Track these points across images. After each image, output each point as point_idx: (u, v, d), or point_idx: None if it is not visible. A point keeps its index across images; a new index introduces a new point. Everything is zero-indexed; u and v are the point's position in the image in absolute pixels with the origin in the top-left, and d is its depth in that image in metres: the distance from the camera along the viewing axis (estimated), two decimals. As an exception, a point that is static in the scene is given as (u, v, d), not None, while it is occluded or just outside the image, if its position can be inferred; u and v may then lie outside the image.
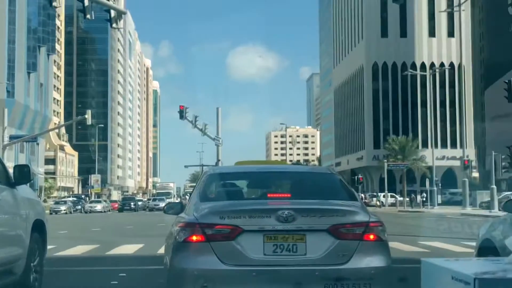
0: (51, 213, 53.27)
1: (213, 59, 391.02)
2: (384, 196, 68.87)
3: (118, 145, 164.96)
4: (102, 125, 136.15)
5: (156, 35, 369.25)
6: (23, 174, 7.07)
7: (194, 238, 5.34)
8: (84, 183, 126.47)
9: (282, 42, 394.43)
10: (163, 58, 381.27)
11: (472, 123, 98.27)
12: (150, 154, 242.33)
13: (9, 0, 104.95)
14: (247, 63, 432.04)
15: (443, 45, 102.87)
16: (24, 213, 7.10)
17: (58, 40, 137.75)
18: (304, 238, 5.34)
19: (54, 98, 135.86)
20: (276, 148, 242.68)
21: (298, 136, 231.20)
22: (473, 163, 70.17)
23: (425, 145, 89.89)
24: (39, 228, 7.52)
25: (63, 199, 77.52)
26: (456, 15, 69.44)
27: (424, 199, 62.52)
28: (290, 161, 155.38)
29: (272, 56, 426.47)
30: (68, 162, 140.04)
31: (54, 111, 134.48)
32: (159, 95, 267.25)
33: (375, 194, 74.82)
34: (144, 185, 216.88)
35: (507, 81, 39.56)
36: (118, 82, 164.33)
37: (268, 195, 6.58)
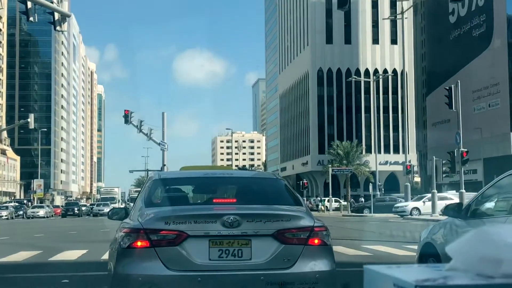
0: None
1: (160, 64, 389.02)
2: (328, 201, 69.36)
3: (62, 149, 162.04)
4: (45, 129, 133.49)
5: (101, 39, 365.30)
6: None
7: (139, 243, 5.28)
8: (27, 188, 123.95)
9: (229, 48, 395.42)
10: (108, 61, 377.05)
11: (414, 128, 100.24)
12: (95, 159, 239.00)
13: None
14: (193, 68, 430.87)
15: (386, 52, 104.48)
16: None
17: (0, 42, 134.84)
18: (249, 243, 5.32)
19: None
20: (222, 153, 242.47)
21: (244, 141, 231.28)
22: (415, 168, 71.52)
23: (368, 150, 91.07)
24: None
25: (4, 204, 75.56)
26: (399, 22, 70.61)
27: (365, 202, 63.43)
28: (236, 166, 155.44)
29: (219, 61, 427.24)
30: (10, 167, 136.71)
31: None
32: (103, 99, 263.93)
33: (320, 199, 75.30)
34: (88, 190, 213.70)
35: (447, 88, 40.51)
36: (62, 85, 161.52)
37: (214, 200, 6.54)
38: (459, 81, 42.12)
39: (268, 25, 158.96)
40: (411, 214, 43.17)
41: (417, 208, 44.20)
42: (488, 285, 0.78)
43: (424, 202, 44.76)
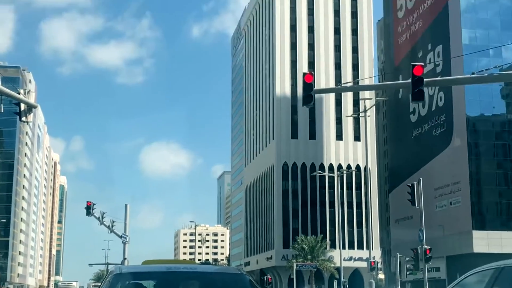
0: None
1: (126, 156, 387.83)
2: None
3: (20, 241, 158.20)
4: (4, 220, 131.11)
5: (68, 130, 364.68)
6: None
7: None
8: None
9: (196, 141, 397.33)
10: (74, 152, 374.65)
11: (378, 225, 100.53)
12: (54, 251, 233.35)
13: None
14: (160, 160, 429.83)
15: (350, 148, 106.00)
16: None
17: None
18: None
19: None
20: (185, 247, 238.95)
21: (207, 234, 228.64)
22: (379, 265, 71.30)
23: (333, 245, 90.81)
24: None
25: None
26: (361, 120, 72.18)
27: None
28: (199, 260, 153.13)
29: (186, 153, 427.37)
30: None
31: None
32: (65, 191, 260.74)
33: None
34: (45, 283, 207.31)
35: (410, 185, 41.00)
36: (24, 176, 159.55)
37: None
38: (421, 178, 42.77)
39: (234, 119, 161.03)
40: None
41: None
42: None
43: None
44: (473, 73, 19.34)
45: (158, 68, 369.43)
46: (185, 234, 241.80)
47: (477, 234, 73.35)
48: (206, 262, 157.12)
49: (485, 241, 71.91)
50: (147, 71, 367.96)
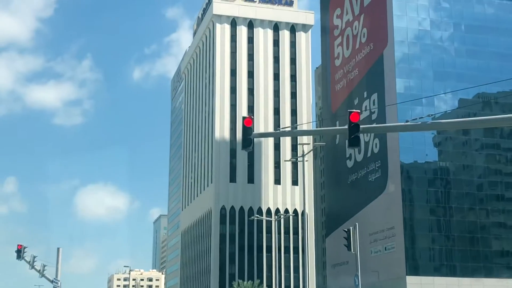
0: None
1: (60, 198, 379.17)
2: None
3: None
4: None
5: (1, 171, 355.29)
6: None
7: None
8: None
9: (133, 183, 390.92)
10: (6, 194, 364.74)
11: (314, 269, 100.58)
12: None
13: None
14: (95, 202, 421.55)
15: (288, 193, 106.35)
16: None
17: None
18: None
19: None
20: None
21: (142, 279, 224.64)
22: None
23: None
24: None
25: None
26: (299, 165, 72.74)
27: None
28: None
29: (122, 196, 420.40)
30: None
31: None
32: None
33: None
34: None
35: (346, 230, 41.22)
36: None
37: None
38: (357, 223, 43.07)
39: (172, 162, 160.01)
40: None
41: None
42: None
43: None
44: (407, 121, 19.73)
45: (97, 110, 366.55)
46: (119, 279, 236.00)
47: (410, 280, 73.92)
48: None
49: (418, 287, 72.53)
50: (86, 112, 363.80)
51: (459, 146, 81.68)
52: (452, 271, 76.21)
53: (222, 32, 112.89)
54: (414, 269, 75.56)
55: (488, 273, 75.30)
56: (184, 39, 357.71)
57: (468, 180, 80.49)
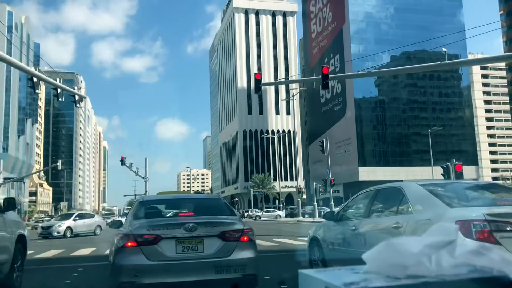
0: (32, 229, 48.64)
1: (147, 127, 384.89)
2: (256, 211, 68.40)
3: (79, 182, 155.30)
4: (68, 170, 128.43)
5: (109, 112, 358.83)
6: (11, 204, 6.43)
7: (129, 244, 5.03)
8: (56, 208, 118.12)
9: (190, 116, 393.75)
10: (113, 126, 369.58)
11: (302, 165, 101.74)
12: (101, 188, 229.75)
13: (6, 88, 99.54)
14: (167, 130, 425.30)
15: (284, 120, 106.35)
16: (10, 230, 6.41)
17: (40, 114, 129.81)
18: (203, 241, 5.15)
19: (36, 152, 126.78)
20: (183, 183, 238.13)
21: (198, 175, 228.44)
22: (303, 190, 72.33)
23: (275, 179, 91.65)
24: (21, 240, 6.83)
25: (41, 219, 70.88)
26: (291, 102, 72.29)
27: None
28: (193, 191, 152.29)
29: (184, 124, 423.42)
30: (45, 194, 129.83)
31: (36, 160, 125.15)
32: (107, 150, 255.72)
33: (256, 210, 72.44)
34: (97, 208, 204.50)
35: (321, 141, 41.46)
36: (80, 142, 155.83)
37: (179, 214, 6.30)
38: (328, 136, 43.20)
39: (212, 102, 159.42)
40: (303, 216, 43.23)
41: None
42: (398, 286, 0.65)
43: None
44: (358, 71, 19.43)
45: (167, 72, 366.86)
46: (183, 175, 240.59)
47: (361, 169, 74.85)
48: (197, 192, 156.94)
49: (366, 173, 73.47)
50: (160, 74, 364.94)
51: (390, 85, 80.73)
52: (386, 163, 76.91)
53: (239, 18, 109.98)
54: (363, 163, 76.36)
55: (409, 163, 76.00)
56: (217, 25, 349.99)
57: (396, 107, 79.96)
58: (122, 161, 42.52)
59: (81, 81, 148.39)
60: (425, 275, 0.63)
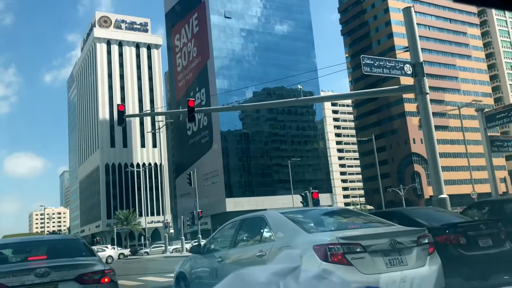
0: None
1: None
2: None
3: None
4: None
5: None
6: None
7: None
8: None
9: (46, 149, 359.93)
10: None
11: (169, 199, 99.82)
12: None
13: None
14: (19, 165, 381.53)
15: (150, 152, 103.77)
16: None
17: None
18: (57, 287, 4.69)
19: None
20: (37, 223, 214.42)
21: (53, 213, 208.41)
22: (170, 224, 70.65)
23: (141, 214, 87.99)
24: None
25: None
26: (157, 134, 71.12)
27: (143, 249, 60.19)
28: (48, 232, 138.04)
29: (39, 160, 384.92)
30: None
31: None
32: None
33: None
34: None
35: (188, 173, 41.37)
36: None
37: (29, 258, 5.64)
38: (195, 169, 43.32)
39: (70, 136, 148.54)
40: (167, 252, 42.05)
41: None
42: None
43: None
44: (223, 105, 20.11)
45: (20, 102, 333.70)
46: (36, 215, 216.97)
47: (228, 200, 76.25)
48: (53, 232, 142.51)
49: (233, 204, 75.03)
50: (12, 104, 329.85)
51: (254, 119, 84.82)
52: (252, 193, 79.69)
53: (101, 48, 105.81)
54: (230, 194, 78.01)
55: (272, 192, 79.81)
56: (78, 54, 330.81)
57: (259, 139, 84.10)
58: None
59: None
60: None
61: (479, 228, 6.57)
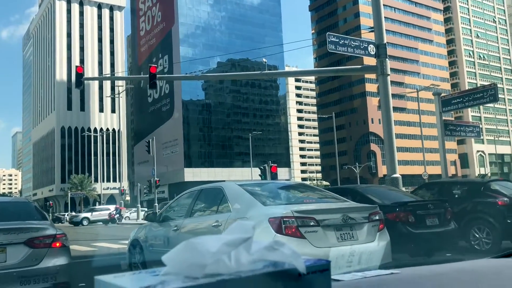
0: None
1: None
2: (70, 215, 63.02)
3: None
4: None
5: None
6: None
7: None
8: None
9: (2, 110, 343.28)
10: None
11: (126, 166, 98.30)
12: None
13: None
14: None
15: (108, 118, 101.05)
16: None
17: None
18: (5, 250, 4.57)
19: None
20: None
21: (4, 175, 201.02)
22: (127, 191, 69.95)
23: (96, 180, 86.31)
24: None
25: None
26: (117, 99, 69.31)
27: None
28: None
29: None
30: None
31: None
32: None
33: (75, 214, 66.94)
34: None
35: (147, 141, 40.75)
36: None
37: None
38: (154, 137, 42.73)
39: (25, 96, 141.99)
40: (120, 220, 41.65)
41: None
42: (194, 286, 0.65)
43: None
44: (186, 74, 19.73)
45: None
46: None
47: (187, 170, 76.15)
48: (3, 194, 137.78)
49: (191, 174, 75.04)
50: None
51: (217, 90, 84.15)
52: (211, 164, 79.87)
53: (60, 6, 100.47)
54: (189, 164, 77.89)
55: (231, 164, 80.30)
56: (37, 10, 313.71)
57: (221, 111, 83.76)
58: None
59: None
60: (223, 273, 0.66)
61: (428, 207, 6.91)
